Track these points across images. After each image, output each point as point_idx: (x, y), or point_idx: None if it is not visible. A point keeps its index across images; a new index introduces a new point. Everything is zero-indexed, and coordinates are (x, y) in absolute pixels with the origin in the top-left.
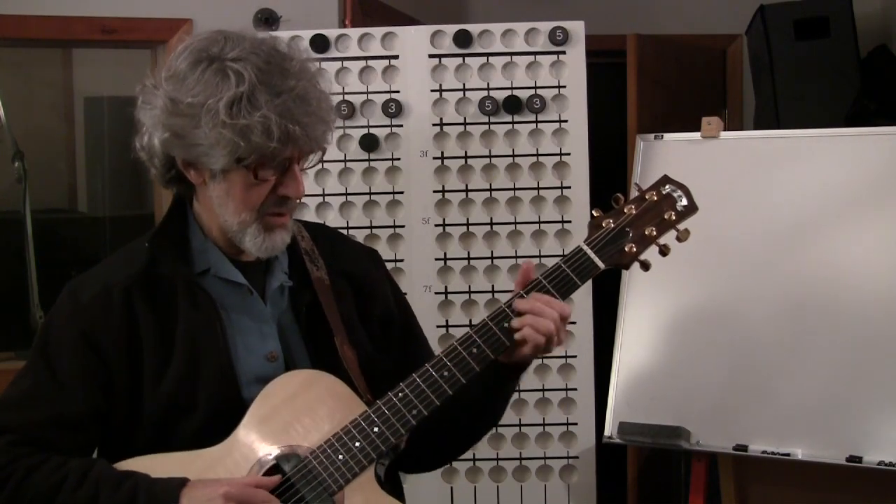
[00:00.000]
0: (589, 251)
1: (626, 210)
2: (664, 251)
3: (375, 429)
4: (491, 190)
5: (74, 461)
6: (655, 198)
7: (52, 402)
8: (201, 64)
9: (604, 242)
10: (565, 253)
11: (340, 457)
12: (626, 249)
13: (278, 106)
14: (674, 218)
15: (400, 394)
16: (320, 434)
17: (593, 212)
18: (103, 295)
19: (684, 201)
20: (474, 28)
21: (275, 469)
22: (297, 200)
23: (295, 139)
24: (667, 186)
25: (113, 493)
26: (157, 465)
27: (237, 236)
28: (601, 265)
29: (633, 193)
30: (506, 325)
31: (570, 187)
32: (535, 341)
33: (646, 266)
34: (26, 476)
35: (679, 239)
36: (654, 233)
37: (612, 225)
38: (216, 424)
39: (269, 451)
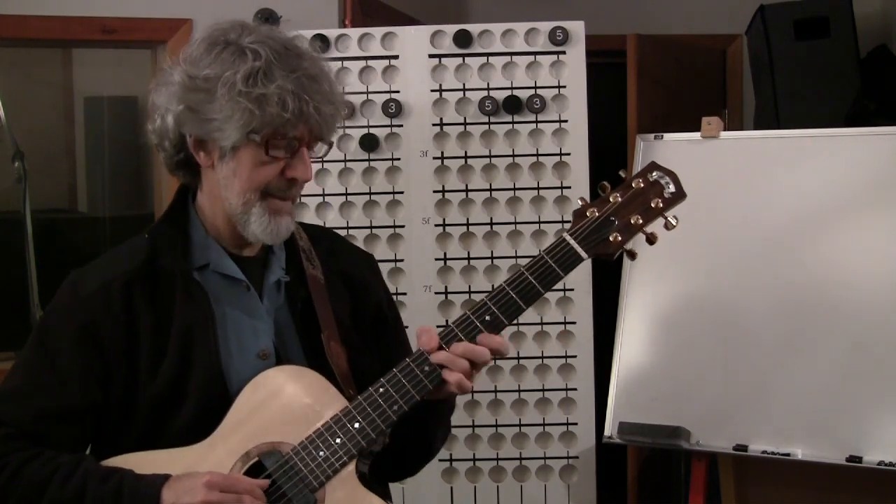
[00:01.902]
0: (572, 241)
1: (611, 198)
2: (651, 239)
3: (356, 424)
4: (491, 190)
5: (65, 456)
6: (642, 185)
7: (50, 395)
8: (218, 46)
9: (587, 232)
10: None
11: (321, 453)
12: (611, 239)
13: (293, 80)
14: (661, 205)
15: (381, 388)
16: (303, 430)
17: (578, 200)
18: (103, 288)
19: (672, 188)
20: (474, 28)
21: (257, 466)
22: (303, 184)
23: (307, 116)
24: (654, 173)
25: (99, 487)
26: (142, 463)
27: (242, 219)
28: (584, 255)
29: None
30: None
31: (570, 187)
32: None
33: (632, 255)
34: (18, 470)
35: (667, 227)
36: (640, 221)
37: (597, 214)
38: (205, 421)
39: (251, 447)
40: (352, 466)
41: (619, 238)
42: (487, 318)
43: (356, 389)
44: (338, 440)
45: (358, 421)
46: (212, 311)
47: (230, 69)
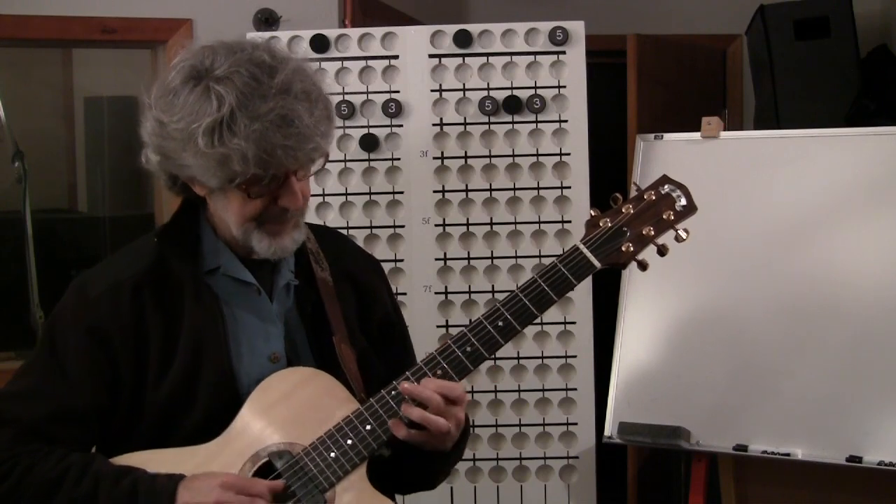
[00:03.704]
0: (585, 250)
1: (623, 209)
2: (662, 251)
3: (367, 426)
4: (491, 190)
5: (75, 456)
6: (654, 197)
7: (58, 397)
8: (189, 83)
9: (600, 242)
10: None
11: (332, 454)
12: (623, 249)
13: (255, 132)
14: (672, 218)
15: (393, 391)
16: (314, 432)
17: (591, 211)
18: (112, 291)
19: (683, 201)
20: (474, 28)
21: (267, 466)
22: (298, 211)
23: (277, 163)
24: (666, 186)
25: (112, 488)
26: (153, 461)
27: (244, 243)
28: (597, 264)
29: (633, 193)
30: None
31: (570, 187)
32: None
33: (643, 266)
34: (28, 470)
35: (678, 239)
36: (652, 232)
37: (610, 224)
38: (215, 424)
39: (262, 447)
40: (362, 468)
41: (632, 249)
42: (500, 323)
43: (366, 392)
44: (349, 442)
45: (370, 423)
46: (222, 314)
47: (195, 121)
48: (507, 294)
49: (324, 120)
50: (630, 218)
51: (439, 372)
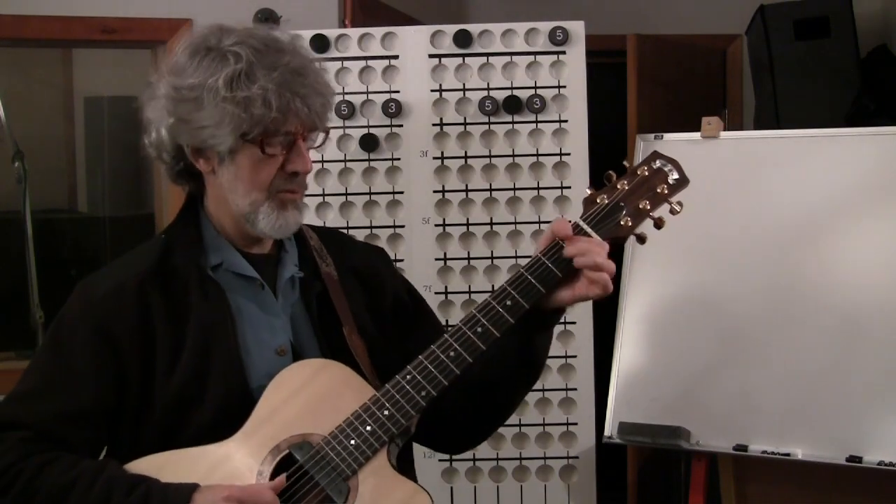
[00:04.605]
0: (586, 227)
1: (619, 186)
2: (658, 224)
3: (385, 412)
4: (491, 190)
5: (86, 461)
6: (647, 173)
7: (65, 397)
8: (199, 53)
9: (599, 217)
10: None
11: (352, 441)
12: (622, 223)
13: (275, 79)
14: (666, 191)
15: (408, 376)
16: (332, 421)
17: (587, 189)
18: (117, 290)
19: (675, 175)
20: (474, 28)
21: (288, 458)
22: (306, 175)
23: (295, 110)
24: (657, 161)
25: (125, 497)
26: (171, 462)
27: (250, 218)
28: (598, 239)
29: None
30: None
31: (569, 187)
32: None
33: (642, 239)
34: (38, 474)
35: (672, 212)
36: (648, 206)
37: (607, 200)
38: (225, 418)
39: (282, 440)
40: (383, 453)
41: (630, 222)
42: (508, 302)
43: (378, 380)
44: (368, 428)
45: (387, 408)
46: (230, 309)
47: (213, 75)
48: (510, 276)
49: (327, 86)
50: (626, 193)
51: (451, 353)
